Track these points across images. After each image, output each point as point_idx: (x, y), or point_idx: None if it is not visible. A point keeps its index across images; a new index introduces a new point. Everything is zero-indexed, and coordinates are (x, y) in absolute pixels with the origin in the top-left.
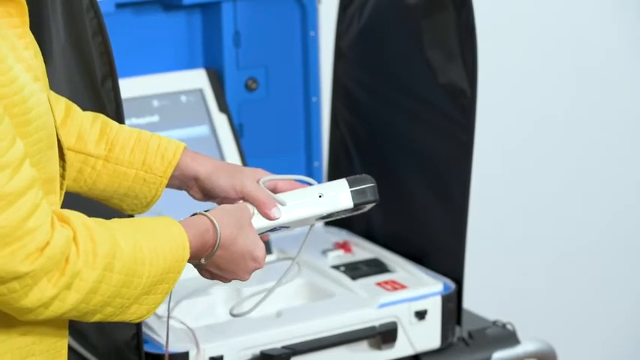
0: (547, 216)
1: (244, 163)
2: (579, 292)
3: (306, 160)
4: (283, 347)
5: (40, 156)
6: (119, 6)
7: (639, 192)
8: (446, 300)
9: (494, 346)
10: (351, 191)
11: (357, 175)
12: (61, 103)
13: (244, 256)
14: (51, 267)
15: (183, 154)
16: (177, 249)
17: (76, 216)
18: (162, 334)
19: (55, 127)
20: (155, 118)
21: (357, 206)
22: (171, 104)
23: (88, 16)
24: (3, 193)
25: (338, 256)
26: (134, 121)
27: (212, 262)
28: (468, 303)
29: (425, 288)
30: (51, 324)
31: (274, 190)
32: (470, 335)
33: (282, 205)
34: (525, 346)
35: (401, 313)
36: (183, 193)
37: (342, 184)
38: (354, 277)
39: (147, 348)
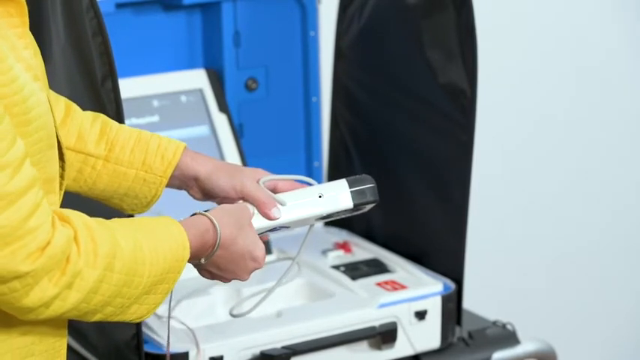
0: (547, 216)
1: (244, 163)
2: (579, 292)
3: (306, 160)
4: (283, 347)
5: (40, 156)
6: (119, 6)
7: (639, 192)
8: (446, 300)
9: (494, 346)
10: (351, 191)
11: (357, 176)
12: (61, 102)
13: (244, 256)
14: (52, 266)
15: (184, 154)
16: (177, 249)
17: (76, 215)
18: (162, 334)
19: (55, 127)
20: (155, 118)
21: (356, 206)
22: (171, 104)
23: (88, 16)
24: (4, 192)
25: (338, 256)
26: (134, 121)
27: (212, 262)
28: (468, 303)
29: (425, 288)
30: (50, 324)
31: (274, 190)
32: (470, 335)
33: (282, 205)
34: (525, 346)
35: (401, 313)
36: (183, 193)
37: (342, 184)
38: (354, 277)
39: (147, 348)
